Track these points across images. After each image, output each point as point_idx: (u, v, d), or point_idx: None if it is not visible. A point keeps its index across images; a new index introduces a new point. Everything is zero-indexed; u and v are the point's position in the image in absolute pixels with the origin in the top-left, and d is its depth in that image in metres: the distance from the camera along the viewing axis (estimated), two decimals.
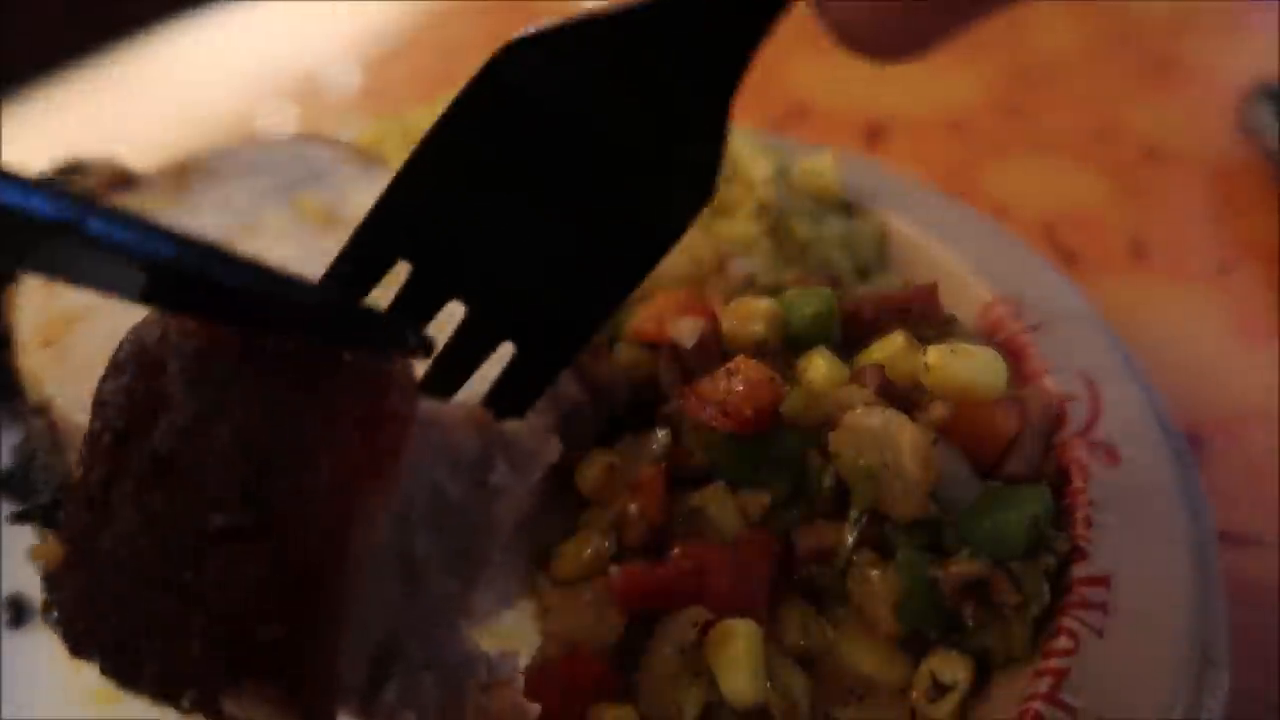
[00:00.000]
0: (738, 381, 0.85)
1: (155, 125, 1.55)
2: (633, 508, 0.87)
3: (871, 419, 0.82)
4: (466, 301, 0.61)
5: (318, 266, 0.98)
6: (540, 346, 0.62)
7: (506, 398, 0.62)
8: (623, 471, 0.90)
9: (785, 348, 0.93)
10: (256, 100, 1.65)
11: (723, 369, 0.87)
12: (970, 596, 0.77)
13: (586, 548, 0.88)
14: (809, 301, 0.94)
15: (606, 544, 0.88)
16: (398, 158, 1.15)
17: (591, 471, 0.90)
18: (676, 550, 0.83)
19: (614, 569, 0.83)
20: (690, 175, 0.58)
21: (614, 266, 0.60)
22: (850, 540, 0.82)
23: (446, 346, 0.62)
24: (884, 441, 0.81)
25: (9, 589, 0.94)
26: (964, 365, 0.86)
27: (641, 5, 0.53)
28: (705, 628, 0.79)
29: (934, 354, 0.86)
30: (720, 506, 0.86)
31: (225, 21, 1.84)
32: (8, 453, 0.89)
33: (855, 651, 0.82)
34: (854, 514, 0.83)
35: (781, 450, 0.86)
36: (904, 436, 0.80)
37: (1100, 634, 0.74)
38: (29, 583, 0.91)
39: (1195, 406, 1.12)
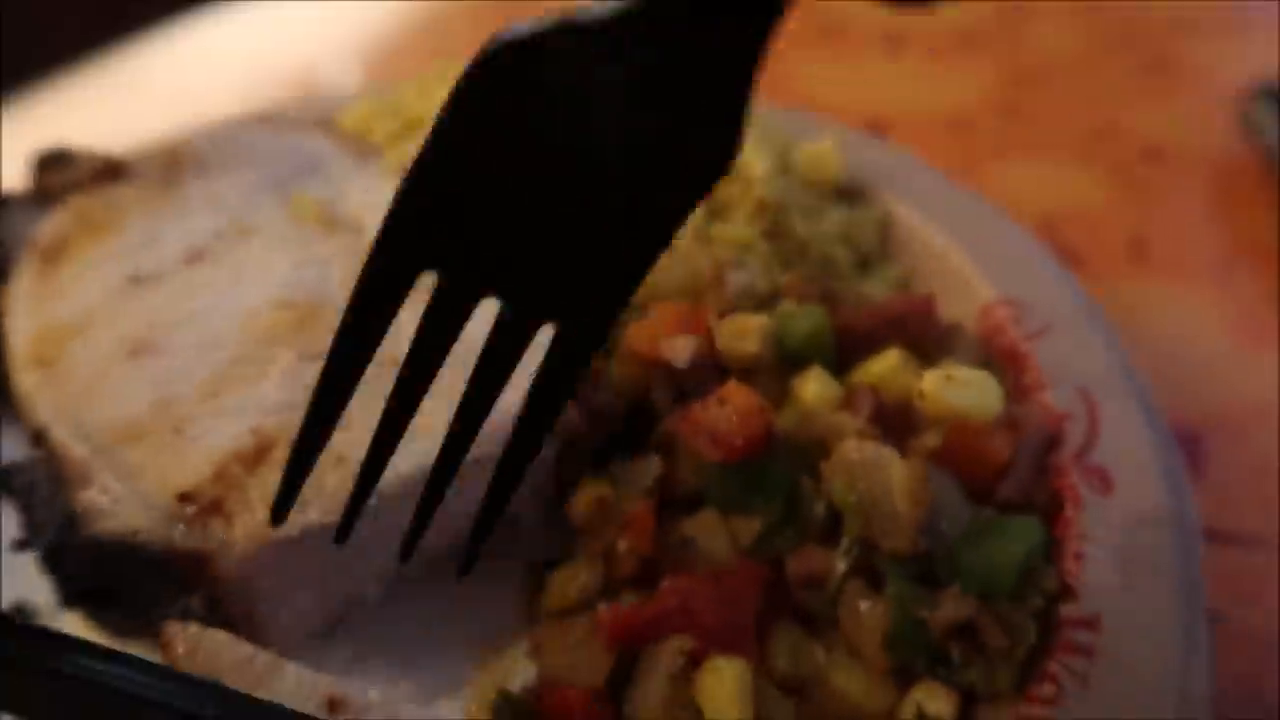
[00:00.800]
0: (728, 411, 0.85)
1: (155, 125, 1.54)
2: (622, 543, 0.87)
3: (863, 452, 0.82)
4: (500, 296, 0.61)
5: (316, 271, 0.99)
6: (580, 324, 0.62)
7: (552, 382, 0.63)
8: (614, 504, 0.90)
9: (780, 364, 0.93)
10: (256, 100, 1.64)
11: (714, 397, 0.87)
12: (958, 637, 0.78)
13: (575, 581, 0.88)
14: (802, 320, 0.94)
15: (596, 576, 0.88)
16: (389, 139, 1.14)
17: (583, 503, 0.90)
18: (664, 585, 0.83)
19: (602, 607, 0.83)
20: (709, 147, 0.57)
21: (639, 234, 0.60)
22: (841, 569, 0.83)
23: (486, 347, 0.63)
24: (875, 476, 0.81)
25: (11, 597, 0.93)
26: (958, 393, 0.86)
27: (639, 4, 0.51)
28: (692, 655, 0.79)
29: (929, 381, 0.87)
30: (711, 535, 0.86)
31: (225, 21, 1.83)
32: (6, 453, 0.89)
33: (843, 679, 0.82)
34: (845, 543, 0.83)
35: (773, 476, 0.86)
36: (895, 472, 0.81)
37: (1084, 681, 0.74)
38: (32, 590, 0.92)
39: (1195, 406, 1.12)
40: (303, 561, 0.84)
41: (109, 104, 1.68)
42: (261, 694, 0.67)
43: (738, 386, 0.87)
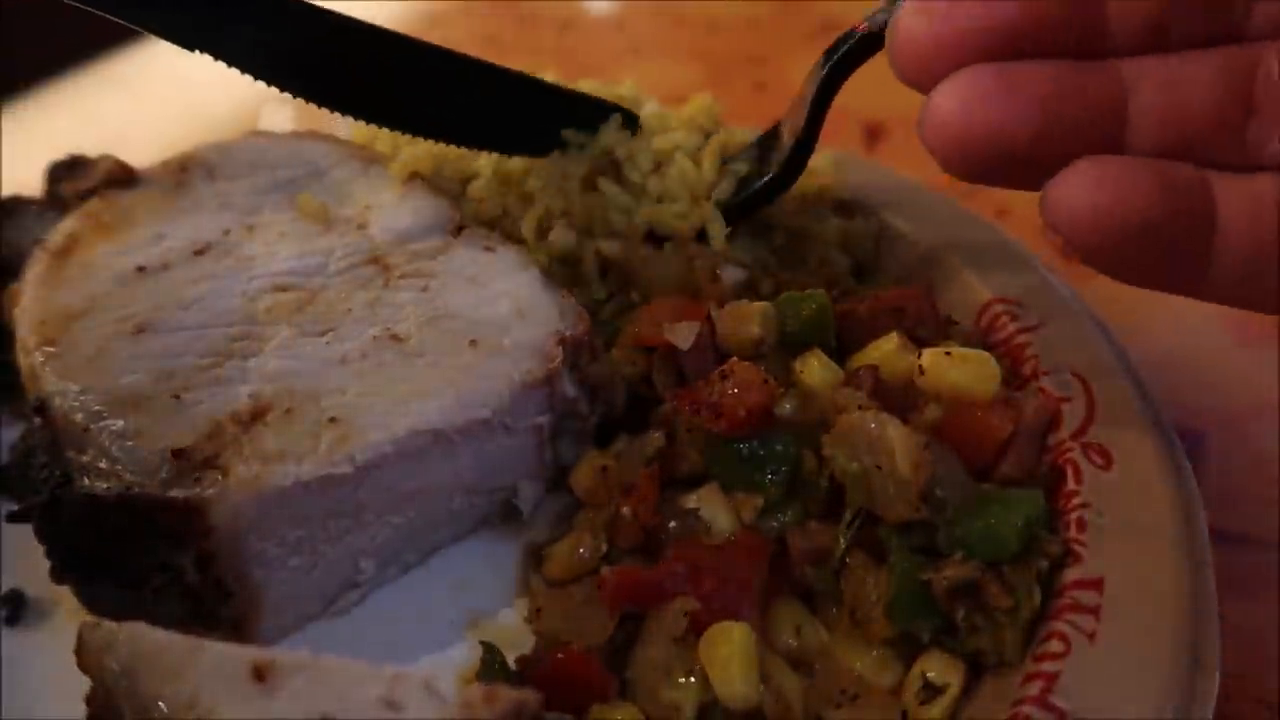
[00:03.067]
0: (731, 383, 0.86)
1: (156, 125, 1.55)
2: (625, 510, 0.88)
3: (864, 421, 0.83)
4: None
5: (317, 260, 1.00)
6: None
7: None
8: (616, 473, 0.91)
9: (781, 350, 0.94)
10: (256, 100, 1.64)
11: (716, 371, 0.88)
12: (962, 599, 0.78)
13: (578, 548, 0.89)
14: (804, 304, 0.94)
15: (598, 545, 0.89)
16: (391, 154, 1.15)
17: (585, 473, 0.92)
18: (669, 553, 0.84)
19: (605, 569, 0.84)
20: None
21: None
22: (843, 542, 0.83)
23: None
24: (876, 443, 0.81)
25: (6, 585, 0.94)
26: (957, 368, 0.87)
27: None
28: (695, 618, 0.79)
29: (928, 357, 0.88)
30: (713, 508, 0.87)
31: None
32: (6, 451, 0.89)
33: (848, 653, 0.83)
34: (847, 516, 0.83)
35: (775, 452, 0.86)
36: (896, 438, 0.81)
37: (1091, 638, 0.74)
38: (26, 579, 0.92)
39: (1195, 406, 1.12)
40: (294, 520, 0.84)
41: (110, 104, 1.69)
42: (186, 675, 0.67)
43: (740, 361, 0.88)
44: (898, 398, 0.88)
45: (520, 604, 0.91)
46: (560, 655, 0.80)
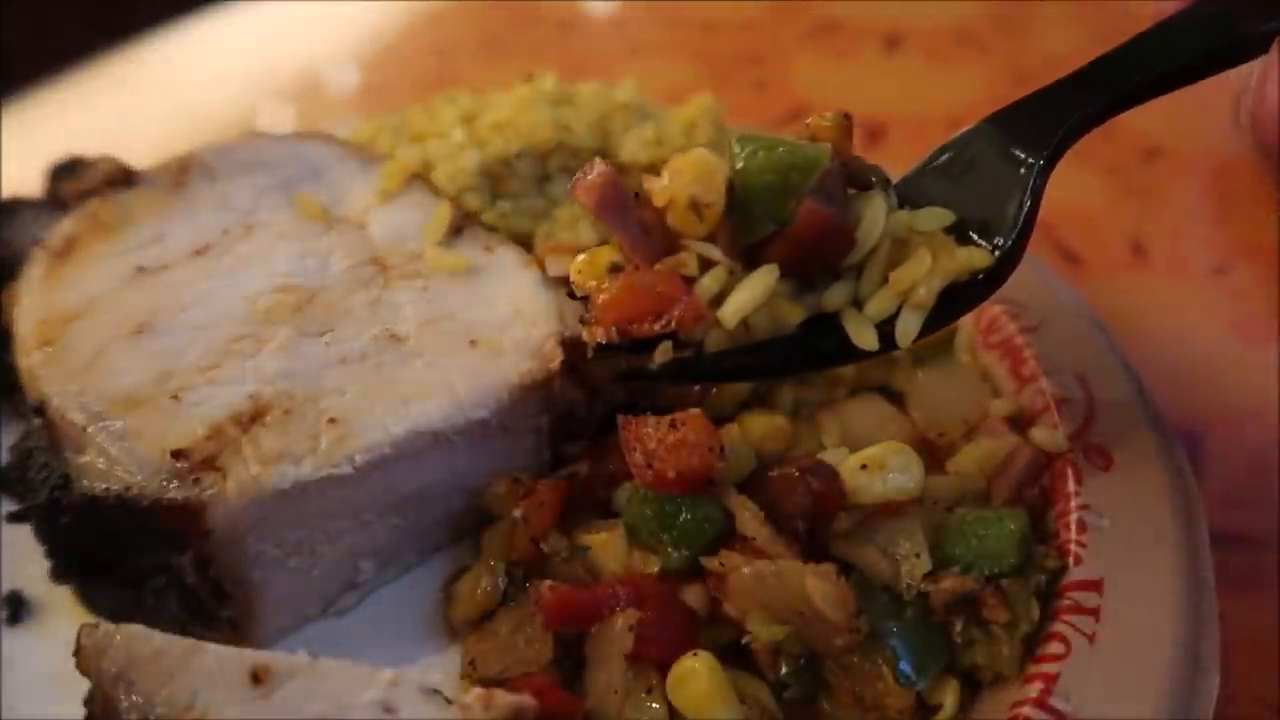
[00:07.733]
0: (676, 439, 0.80)
1: (156, 125, 1.54)
2: (517, 512, 0.86)
3: (768, 573, 0.77)
4: None
5: (317, 261, 1.00)
6: None
7: None
8: (528, 486, 0.88)
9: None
10: (256, 100, 1.65)
11: (669, 419, 0.82)
12: (959, 613, 0.77)
13: (478, 585, 0.87)
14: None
15: (496, 579, 0.86)
16: (391, 154, 1.15)
17: (498, 485, 0.90)
18: (610, 577, 0.82)
19: (546, 584, 0.81)
20: None
21: None
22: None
23: None
24: (788, 594, 0.77)
25: (7, 586, 0.94)
26: (878, 480, 0.82)
27: None
28: (642, 638, 0.77)
29: (849, 477, 0.83)
30: (609, 555, 0.84)
31: (225, 22, 1.84)
32: (6, 452, 0.89)
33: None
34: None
35: (694, 519, 0.82)
36: (812, 589, 0.76)
37: (1091, 639, 0.74)
38: (27, 580, 0.92)
39: (1194, 405, 1.12)
40: (293, 521, 0.84)
41: (110, 104, 1.69)
42: (184, 678, 0.67)
43: (696, 418, 0.82)
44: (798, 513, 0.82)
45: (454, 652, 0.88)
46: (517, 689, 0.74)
